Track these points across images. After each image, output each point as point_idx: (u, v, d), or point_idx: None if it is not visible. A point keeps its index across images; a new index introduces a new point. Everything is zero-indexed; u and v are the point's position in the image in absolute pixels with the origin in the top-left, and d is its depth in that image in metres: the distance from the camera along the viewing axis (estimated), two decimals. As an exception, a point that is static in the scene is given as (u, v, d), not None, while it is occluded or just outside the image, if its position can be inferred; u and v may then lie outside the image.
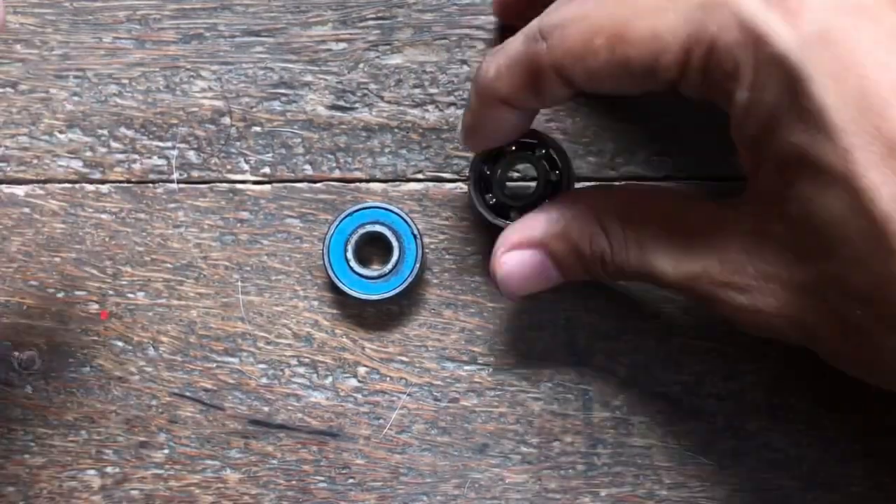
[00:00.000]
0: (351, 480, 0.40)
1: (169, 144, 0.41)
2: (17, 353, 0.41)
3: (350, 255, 0.40)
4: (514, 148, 0.38)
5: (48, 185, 0.41)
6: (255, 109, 0.41)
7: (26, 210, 0.41)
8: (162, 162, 0.41)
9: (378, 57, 0.41)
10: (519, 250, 0.36)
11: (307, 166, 0.41)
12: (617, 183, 0.40)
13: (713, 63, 0.31)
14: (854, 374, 0.33)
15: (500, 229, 0.38)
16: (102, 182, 0.41)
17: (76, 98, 0.42)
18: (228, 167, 0.41)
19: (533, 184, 0.39)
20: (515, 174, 0.40)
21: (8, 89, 0.42)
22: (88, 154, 0.41)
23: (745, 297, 0.33)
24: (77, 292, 0.41)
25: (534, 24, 0.33)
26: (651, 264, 0.34)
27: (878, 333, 0.31)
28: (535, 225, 0.36)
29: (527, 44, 0.33)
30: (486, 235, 0.41)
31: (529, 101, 0.35)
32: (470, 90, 0.36)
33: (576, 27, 0.32)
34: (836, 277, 0.31)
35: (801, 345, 0.34)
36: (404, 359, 0.41)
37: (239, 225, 0.41)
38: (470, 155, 0.41)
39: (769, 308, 0.33)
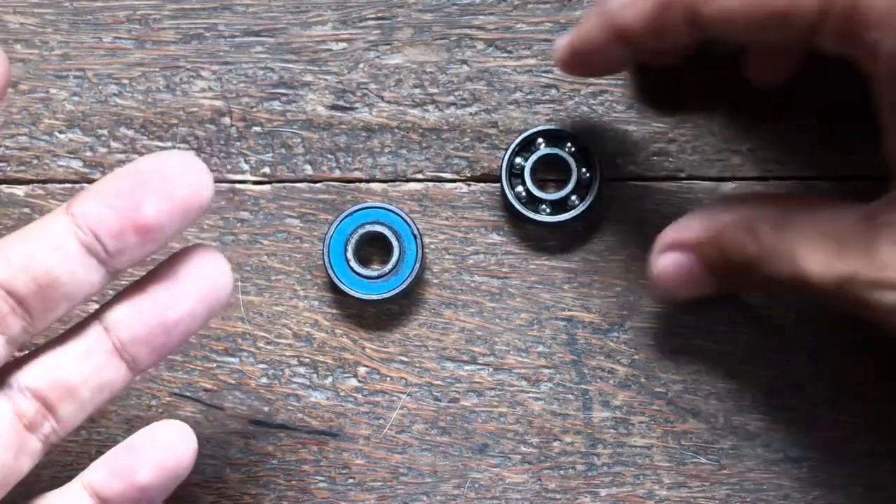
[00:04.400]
0: (351, 480, 0.40)
1: (169, 144, 0.41)
2: (17, 353, 0.41)
3: (350, 255, 0.40)
4: (543, 143, 0.39)
5: (48, 185, 0.41)
6: (255, 109, 0.41)
7: (26, 210, 0.41)
8: (162, 162, 0.41)
9: (378, 57, 0.41)
10: (672, 252, 0.37)
11: (307, 166, 0.41)
12: (772, 192, 0.40)
13: (858, 12, 0.30)
14: None
15: (528, 220, 0.39)
16: (102, 182, 0.41)
17: (76, 98, 0.42)
18: (228, 167, 0.41)
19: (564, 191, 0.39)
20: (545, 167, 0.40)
21: (8, 89, 0.42)
22: (88, 154, 0.41)
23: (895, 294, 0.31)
24: (77, 292, 0.41)
25: None
26: (801, 268, 0.33)
27: None
28: (689, 227, 0.37)
29: None
30: (487, 236, 0.41)
31: (648, 39, 0.34)
32: (588, 14, 0.35)
33: None
34: None
35: None
36: (404, 359, 0.41)
37: (239, 225, 0.41)
38: (469, 155, 0.41)
39: None
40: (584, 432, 0.40)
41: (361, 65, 0.41)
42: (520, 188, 0.40)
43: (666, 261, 0.37)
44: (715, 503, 0.40)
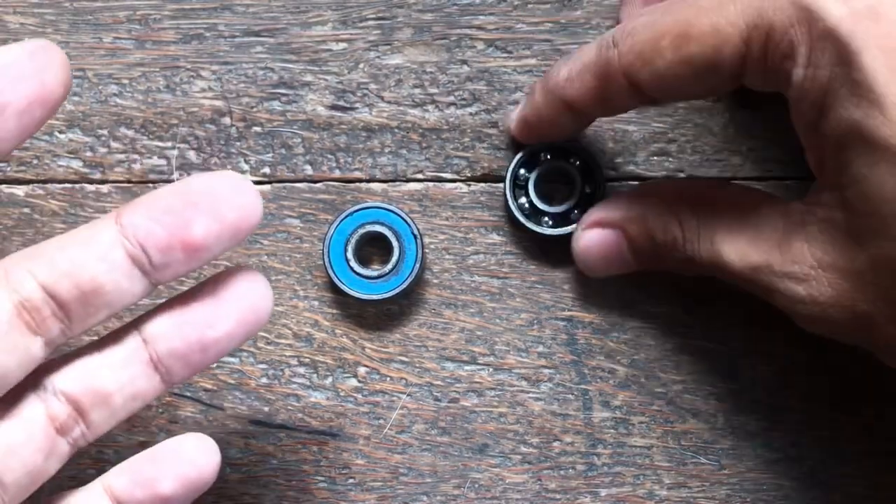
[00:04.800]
0: (351, 480, 0.40)
1: (169, 144, 0.41)
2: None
3: (350, 255, 0.40)
4: (549, 156, 0.40)
5: (48, 185, 0.41)
6: (255, 109, 0.41)
7: (26, 210, 0.41)
8: (162, 162, 0.41)
9: (378, 57, 0.41)
10: (598, 229, 0.38)
11: (307, 166, 0.41)
12: (699, 180, 0.41)
13: (771, 46, 0.32)
14: None
15: (530, 232, 0.40)
16: (102, 182, 0.41)
17: (76, 98, 0.42)
18: (228, 167, 0.41)
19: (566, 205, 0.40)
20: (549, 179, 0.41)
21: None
22: (88, 154, 0.41)
23: (803, 287, 0.33)
24: (77, 292, 0.41)
25: (607, 34, 0.35)
26: (719, 254, 0.35)
27: None
28: (614, 207, 0.38)
29: (599, 51, 0.35)
30: (487, 236, 0.41)
31: (595, 109, 0.36)
32: (535, 87, 0.38)
33: (644, 32, 0.34)
34: (890, 259, 0.31)
35: (857, 343, 0.34)
36: (404, 359, 0.41)
37: (239, 225, 0.41)
38: (469, 155, 0.41)
39: (825, 298, 0.33)
40: (584, 432, 0.40)
41: (361, 65, 0.41)
42: (523, 199, 0.40)
43: (590, 236, 0.38)
44: (715, 503, 0.40)
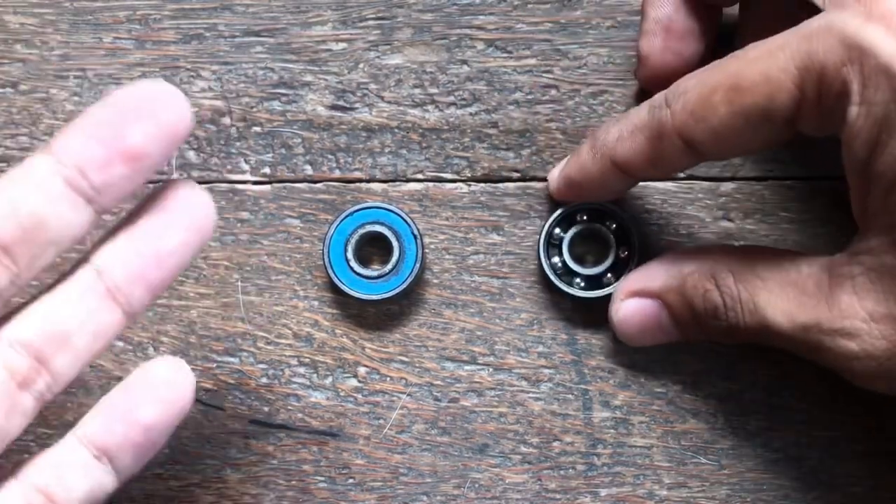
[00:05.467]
0: (351, 480, 0.40)
1: (169, 144, 0.41)
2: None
3: (350, 255, 0.40)
4: (586, 217, 0.39)
5: (48, 185, 0.41)
6: (255, 109, 0.41)
7: (26, 210, 0.41)
8: (162, 162, 0.41)
9: (378, 57, 0.41)
10: (636, 299, 0.38)
11: (307, 166, 0.41)
12: (736, 244, 0.40)
13: (825, 87, 0.31)
14: None
15: (561, 293, 0.39)
16: (102, 182, 0.41)
17: (76, 98, 0.42)
18: (228, 167, 0.41)
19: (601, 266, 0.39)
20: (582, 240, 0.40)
21: (8, 89, 0.42)
22: (88, 154, 0.41)
23: (856, 342, 0.32)
24: (77, 292, 0.41)
25: (658, 95, 0.35)
26: (764, 318, 0.34)
27: None
28: (653, 276, 0.37)
29: (651, 112, 0.34)
30: (487, 236, 0.41)
31: (647, 170, 0.36)
32: (581, 147, 0.37)
33: (696, 89, 0.33)
34: None
35: None
36: (404, 359, 0.41)
37: (239, 225, 0.41)
38: (469, 155, 0.41)
39: (880, 351, 0.32)
40: (584, 432, 0.40)
41: (361, 65, 0.41)
42: (556, 259, 0.39)
43: (629, 307, 0.38)
44: (715, 503, 0.40)
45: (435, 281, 0.41)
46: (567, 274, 0.39)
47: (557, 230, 0.39)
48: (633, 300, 0.38)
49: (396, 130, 0.41)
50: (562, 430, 0.40)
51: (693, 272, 0.36)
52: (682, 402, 0.40)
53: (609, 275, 0.39)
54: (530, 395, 0.40)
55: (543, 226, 0.39)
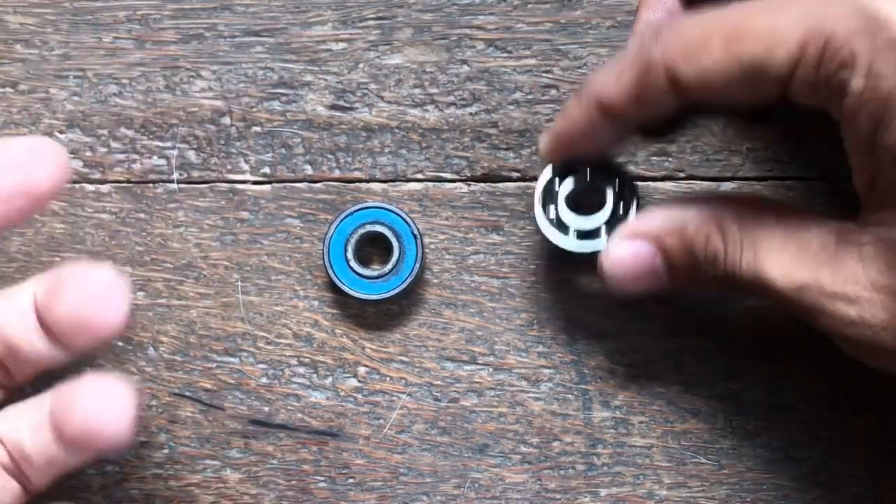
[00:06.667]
0: (351, 480, 0.40)
1: (169, 144, 0.41)
2: None
3: (350, 255, 0.40)
4: (586, 171, 0.38)
5: (48, 185, 0.41)
6: (255, 109, 0.41)
7: (26, 210, 0.41)
8: (162, 162, 0.41)
9: (378, 57, 0.41)
10: (632, 240, 0.36)
11: (307, 166, 0.41)
12: (742, 193, 0.40)
13: (828, 54, 0.31)
14: None
15: (554, 245, 0.38)
16: (102, 182, 0.41)
17: (76, 98, 0.42)
18: (228, 167, 0.41)
19: (601, 215, 0.38)
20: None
21: (8, 89, 0.42)
22: (88, 154, 0.41)
23: (854, 308, 0.32)
24: (77, 292, 0.41)
25: (650, 30, 0.34)
26: (762, 269, 0.33)
27: None
28: (652, 219, 0.36)
29: (640, 45, 0.33)
30: (487, 236, 0.41)
31: (630, 109, 0.34)
32: (570, 99, 0.36)
33: (693, 29, 0.32)
34: None
35: None
36: (404, 359, 0.41)
37: (239, 225, 0.41)
38: (469, 155, 0.41)
39: (877, 321, 0.32)
40: (584, 432, 0.40)
41: (361, 65, 0.41)
42: (552, 210, 0.38)
43: (623, 248, 0.36)
44: (715, 503, 0.40)
45: (435, 281, 0.41)
46: (561, 226, 0.38)
47: (556, 181, 0.38)
48: (628, 241, 0.36)
49: (396, 130, 0.41)
50: (562, 430, 0.40)
51: (696, 216, 0.35)
52: (682, 402, 0.40)
53: (605, 229, 0.38)
54: (530, 395, 0.40)
55: (542, 175, 0.38)
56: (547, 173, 0.38)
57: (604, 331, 0.40)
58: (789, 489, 0.40)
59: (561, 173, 0.38)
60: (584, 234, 0.38)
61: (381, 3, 0.41)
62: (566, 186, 0.38)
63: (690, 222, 0.35)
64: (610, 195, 0.38)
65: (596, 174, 0.38)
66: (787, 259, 0.33)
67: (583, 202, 0.39)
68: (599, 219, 0.38)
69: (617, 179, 0.38)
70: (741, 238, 0.34)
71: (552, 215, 0.38)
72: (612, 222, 0.38)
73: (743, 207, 0.35)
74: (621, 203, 0.38)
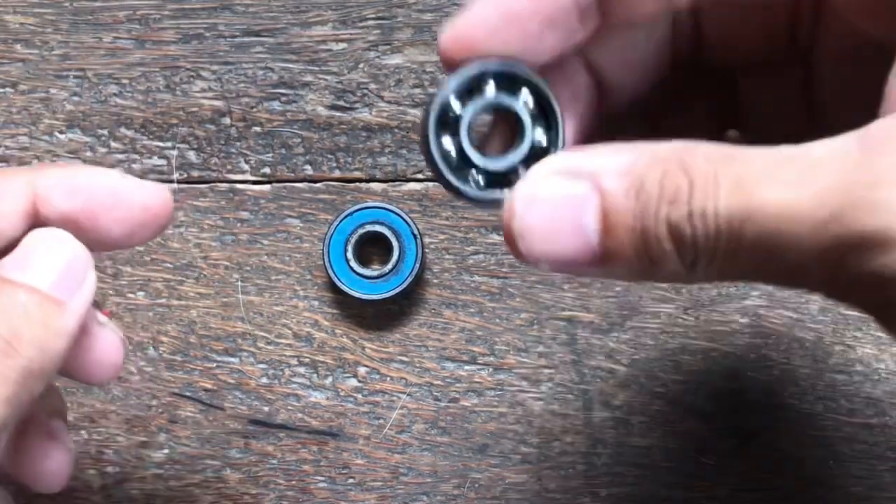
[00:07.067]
0: (351, 480, 0.40)
1: (169, 144, 0.41)
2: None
3: (350, 255, 0.40)
4: (494, 84, 0.27)
5: (48, 185, 0.41)
6: (255, 109, 0.41)
7: (26, 210, 0.41)
8: (162, 162, 0.41)
9: (378, 57, 0.41)
10: (555, 178, 0.25)
11: (307, 166, 0.41)
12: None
13: None
14: None
15: (454, 190, 0.27)
16: (102, 182, 0.41)
17: (76, 98, 0.42)
18: (228, 167, 0.41)
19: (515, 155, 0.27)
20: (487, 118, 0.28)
21: (8, 89, 0.42)
22: (88, 154, 0.41)
23: None
24: (77, 292, 0.41)
25: None
26: (754, 195, 0.22)
27: None
28: (588, 153, 0.25)
29: None
30: (487, 236, 0.41)
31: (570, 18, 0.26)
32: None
33: None
34: None
35: None
36: (404, 359, 0.41)
37: (239, 225, 0.41)
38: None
39: None
40: (584, 432, 0.40)
41: (361, 65, 0.41)
42: (449, 143, 0.27)
43: (543, 188, 0.25)
44: (715, 503, 0.40)
45: (435, 281, 0.41)
46: (463, 165, 0.27)
47: (456, 104, 0.27)
48: (551, 179, 0.25)
49: (396, 130, 0.41)
50: (562, 430, 0.40)
51: (650, 150, 0.24)
52: (682, 402, 0.40)
53: (522, 168, 0.27)
54: (530, 395, 0.40)
55: (436, 94, 0.27)
56: (444, 91, 0.27)
57: (604, 331, 0.40)
58: (789, 489, 0.40)
59: (462, 90, 0.27)
60: (494, 177, 0.27)
61: (381, 3, 0.41)
62: (469, 108, 0.27)
63: (643, 157, 0.24)
64: (526, 119, 0.27)
65: (505, 87, 0.27)
66: (794, 174, 0.22)
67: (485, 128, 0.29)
68: (516, 155, 0.27)
69: (531, 95, 0.27)
70: (714, 170, 0.23)
71: (451, 151, 0.27)
72: (532, 158, 0.27)
73: (711, 147, 0.24)
74: (543, 134, 0.27)
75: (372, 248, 0.41)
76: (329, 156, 0.41)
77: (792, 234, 0.22)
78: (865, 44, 0.26)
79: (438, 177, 0.27)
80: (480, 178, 0.27)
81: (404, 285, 0.39)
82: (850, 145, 0.22)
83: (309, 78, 0.41)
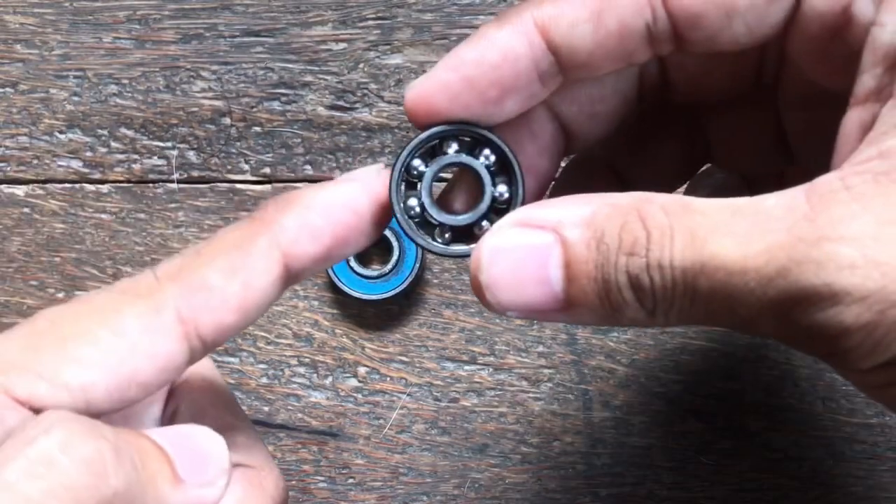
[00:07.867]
0: (351, 480, 0.40)
1: (169, 144, 0.41)
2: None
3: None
4: (457, 145, 0.29)
5: (48, 185, 0.41)
6: (255, 109, 0.41)
7: (26, 210, 0.41)
8: (162, 162, 0.41)
9: (378, 57, 0.41)
10: (520, 229, 0.25)
11: (307, 166, 0.41)
12: None
13: None
14: None
15: (420, 247, 0.29)
16: (102, 182, 0.41)
17: (76, 98, 0.42)
18: (228, 167, 0.41)
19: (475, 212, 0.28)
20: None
21: (8, 89, 0.42)
22: (88, 154, 0.41)
23: (855, 248, 0.22)
24: (77, 292, 0.41)
25: None
26: (706, 250, 0.23)
27: None
28: (550, 206, 0.26)
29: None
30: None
31: (531, 77, 0.27)
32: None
33: None
34: None
35: None
36: (404, 359, 0.41)
37: (239, 225, 0.41)
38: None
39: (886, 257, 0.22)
40: (584, 432, 0.40)
41: (361, 65, 0.41)
42: (413, 201, 0.28)
43: (507, 238, 0.25)
44: (715, 503, 0.40)
45: (435, 281, 0.41)
46: (426, 223, 0.29)
47: (417, 161, 0.29)
48: (514, 230, 0.25)
49: (396, 130, 0.41)
50: (562, 430, 0.40)
51: (610, 202, 0.25)
52: (682, 402, 0.40)
53: (485, 223, 0.28)
54: (530, 395, 0.40)
55: (399, 156, 0.29)
56: (407, 150, 0.29)
57: (604, 331, 0.40)
58: (789, 489, 0.40)
59: (424, 150, 0.29)
60: (458, 232, 0.29)
61: (381, 3, 0.41)
62: (431, 168, 0.29)
63: (602, 209, 0.25)
64: (486, 177, 0.28)
65: (467, 148, 0.29)
66: (744, 227, 0.23)
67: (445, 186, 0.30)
68: (478, 211, 0.28)
69: (492, 154, 0.28)
70: (670, 223, 0.24)
71: (415, 207, 0.28)
72: (493, 214, 0.28)
73: (668, 198, 0.25)
74: (506, 187, 0.28)
75: (372, 248, 0.41)
76: (329, 156, 0.41)
77: (742, 287, 0.23)
78: (826, 90, 0.27)
79: (404, 233, 0.29)
80: (446, 234, 0.29)
81: (404, 285, 0.39)
82: (798, 199, 0.23)
83: (309, 78, 0.41)
